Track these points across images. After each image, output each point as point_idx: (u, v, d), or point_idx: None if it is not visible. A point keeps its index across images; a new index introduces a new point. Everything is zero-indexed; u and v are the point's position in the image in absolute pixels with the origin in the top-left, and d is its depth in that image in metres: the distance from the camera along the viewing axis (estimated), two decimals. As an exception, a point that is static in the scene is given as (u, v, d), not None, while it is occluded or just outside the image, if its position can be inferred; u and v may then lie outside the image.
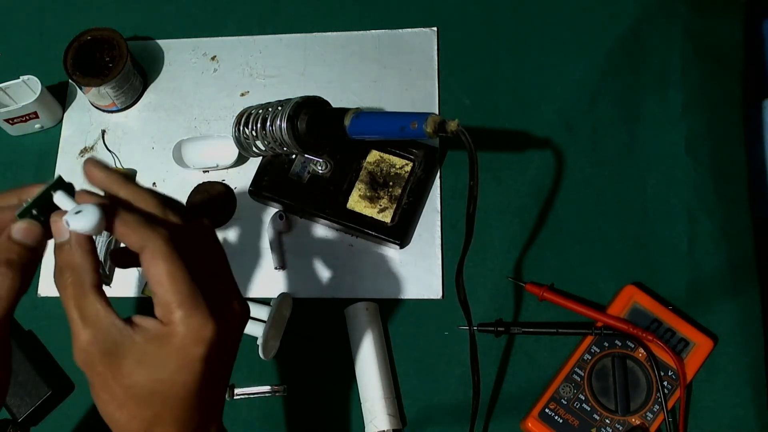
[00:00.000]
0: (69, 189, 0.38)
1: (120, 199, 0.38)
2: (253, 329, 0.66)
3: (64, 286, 0.36)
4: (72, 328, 0.36)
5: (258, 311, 0.68)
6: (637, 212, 0.70)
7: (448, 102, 0.75)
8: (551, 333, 0.65)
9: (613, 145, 0.72)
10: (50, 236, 0.37)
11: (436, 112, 0.74)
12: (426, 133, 0.53)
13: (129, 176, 0.38)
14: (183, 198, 0.74)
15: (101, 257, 0.70)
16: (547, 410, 0.62)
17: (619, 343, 0.63)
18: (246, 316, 0.41)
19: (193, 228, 0.39)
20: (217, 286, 0.39)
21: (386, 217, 0.68)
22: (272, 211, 0.72)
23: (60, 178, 0.38)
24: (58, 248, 0.37)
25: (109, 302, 0.36)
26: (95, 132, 0.78)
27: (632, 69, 0.74)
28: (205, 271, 0.38)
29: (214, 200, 0.74)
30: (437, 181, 0.72)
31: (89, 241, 0.36)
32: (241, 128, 0.65)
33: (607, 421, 0.61)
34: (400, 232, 0.68)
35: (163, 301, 0.36)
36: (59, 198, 0.37)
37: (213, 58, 0.80)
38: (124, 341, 0.35)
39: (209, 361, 0.36)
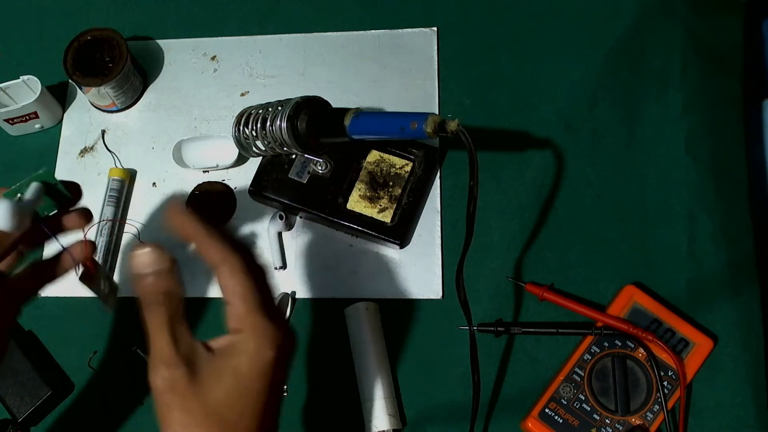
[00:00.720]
0: (50, 183, 0.41)
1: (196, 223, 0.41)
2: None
3: (157, 310, 0.38)
4: (158, 352, 0.38)
5: (258, 311, 0.68)
6: (637, 212, 0.70)
7: (448, 102, 0.75)
8: (551, 333, 0.65)
9: (613, 145, 0.72)
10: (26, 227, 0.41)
11: (436, 112, 0.75)
12: (426, 133, 0.53)
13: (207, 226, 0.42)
14: (183, 198, 0.74)
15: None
16: (547, 410, 0.62)
17: (619, 343, 0.63)
18: (295, 338, 0.43)
19: (248, 255, 0.42)
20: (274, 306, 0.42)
21: (386, 217, 0.68)
22: (272, 211, 0.72)
23: (47, 170, 0.41)
24: (149, 276, 0.39)
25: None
26: (95, 132, 0.78)
27: (632, 69, 0.74)
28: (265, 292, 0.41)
29: (214, 200, 0.74)
30: (437, 181, 0.72)
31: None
32: (241, 128, 0.65)
33: (607, 421, 0.61)
34: (400, 232, 0.68)
35: (239, 311, 0.38)
36: (31, 188, 0.41)
37: (213, 58, 0.80)
38: (206, 360, 0.38)
39: (277, 367, 0.39)
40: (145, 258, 0.39)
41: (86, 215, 0.48)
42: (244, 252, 0.41)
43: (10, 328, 0.43)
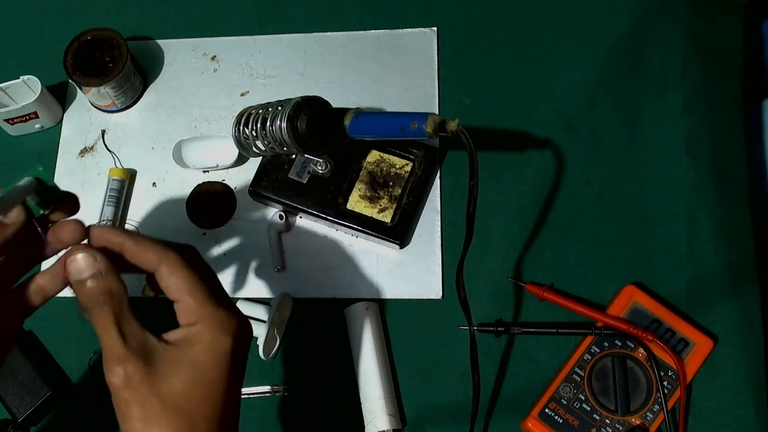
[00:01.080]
0: (43, 183, 0.41)
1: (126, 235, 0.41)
2: (254, 329, 0.66)
3: (102, 311, 0.38)
4: (108, 351, 0.37)
5: (258, 311, 0.68)
6: (637, 212, 0.70)
7: (448, 102, 0.75)
8: (551, 333, 0.65)
9: (613, 145, 0.72)
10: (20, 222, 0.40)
11: (436, 112, 0.75)
12: (426, 133, 0.53)
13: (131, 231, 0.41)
14: (183, 198, 0.74)
15: None
16: (547, 410, 0.62)
17: (619, 343, 0.63)
18: (250, 326, 0.43)
19: (189, 252, 0.42)
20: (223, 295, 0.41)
21: (386, 217, 0.68)
22: (272, 211, 0.72)
23: (41, 170, 0.41)
24: (89, 280, 0.38)
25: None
26: (95, 132, 0.78)
27: (632, 69, 0.74)
28: (213, 284, 0.41)
29: (214, 200, 0.74)
30: (437, 181, 0.72)
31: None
32: (241, 128, 0.65)
33: (607, 421, 0.61)
34: (400, 232, 0.68)
35: (188, 306, 0.38)
36: (23, 181, 0.41)
37: (213, 58, 0.80)
38: (161, 353, 0.37)
39: (235, 356, 0.38)
40: (80, 263, 0.38)
41: (83, 230, 0.44)
42: (183, 250, 0.40)
43: (14, 336, 0.43)
